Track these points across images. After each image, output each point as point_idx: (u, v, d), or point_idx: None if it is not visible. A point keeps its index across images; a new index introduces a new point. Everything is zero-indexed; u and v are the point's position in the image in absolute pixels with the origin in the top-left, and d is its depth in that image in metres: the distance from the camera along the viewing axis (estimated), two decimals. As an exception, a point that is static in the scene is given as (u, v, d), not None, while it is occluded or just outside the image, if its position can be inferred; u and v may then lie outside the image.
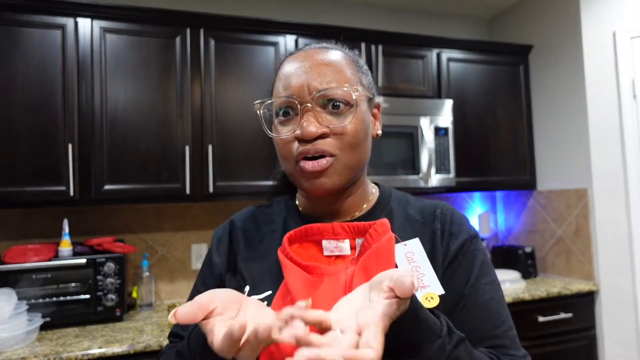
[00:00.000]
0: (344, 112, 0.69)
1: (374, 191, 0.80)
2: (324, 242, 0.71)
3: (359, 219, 0.75)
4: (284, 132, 0.70)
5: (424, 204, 0.79)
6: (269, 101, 0.72)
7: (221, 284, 0.76)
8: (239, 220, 0.82)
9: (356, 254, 0.70)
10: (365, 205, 0.77)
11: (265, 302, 0.67)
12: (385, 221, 0.70)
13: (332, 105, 0.68)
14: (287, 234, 0.72)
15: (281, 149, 0.71)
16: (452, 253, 0.71)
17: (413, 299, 0.54)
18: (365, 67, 0.78)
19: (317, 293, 0.65)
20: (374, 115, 0.77)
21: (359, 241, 0.71)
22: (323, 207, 0.75)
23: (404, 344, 0.54)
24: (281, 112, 0.70)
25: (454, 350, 0.56)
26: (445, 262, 0.70)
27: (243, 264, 0.75)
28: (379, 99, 0.79)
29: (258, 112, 0.72)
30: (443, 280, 0.69)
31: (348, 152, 0.69)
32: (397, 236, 0.70)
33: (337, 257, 0.71)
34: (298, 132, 0.67)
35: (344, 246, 0.71)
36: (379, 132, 0.78)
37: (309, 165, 0.67)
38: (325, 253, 0.71)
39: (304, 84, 0.68)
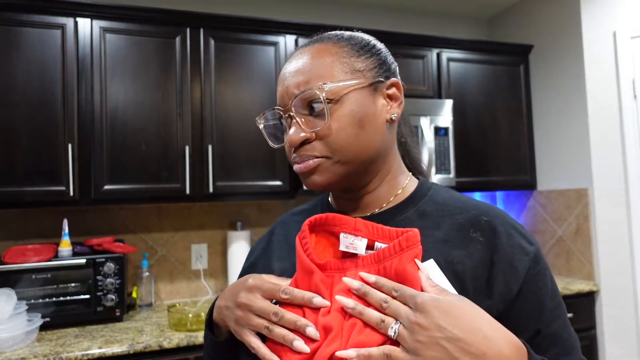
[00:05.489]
0: (324, 112, 0.64)
1: (407, 183, 0.73)
2: (342, 235, 0.66)
3: (382, 214, 0.70)
4: (284, 140, 0.71)
5: (468, 205, 0.69)
6: (263, 114, 0.73)
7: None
8: (280, 221, 0.85)
9: (371, 254, 0.65)
10: (391, 199, 0.71)
11: None
12: (415, 234, 0.61)
13: (311, 106, 0.65)
14: (308, 220, 0.68)
15: (287, 155, 0.72)
16: (514, 289, 0.61)
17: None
18: (369, 47, 0.69)
19: (334, 290, 0.62)
20: (389, 97, 0.69)
21: (379, 245, 0.64)
22: (343, 203, 0.74)
23: None
24: (281, 120, 0.71)
25: None
26: (509, 296, 0.61)
27: (277, 263, 0.76)
28: (394, 78, 0.70)
29: (260, 126, 0.73)
30: (509, 314, 0.61)
31: (338, 151, 0.65)
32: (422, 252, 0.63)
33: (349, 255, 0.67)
34: (286, 139, 0.68)
35: (360, 245, 0.65)
36: (393, 116, 0.68)
37: (296, 167, 0.68)
38: (341, 247, 0.66)
39: (284, 91, 0.67)
